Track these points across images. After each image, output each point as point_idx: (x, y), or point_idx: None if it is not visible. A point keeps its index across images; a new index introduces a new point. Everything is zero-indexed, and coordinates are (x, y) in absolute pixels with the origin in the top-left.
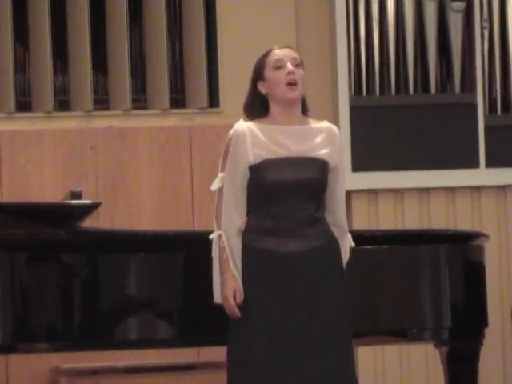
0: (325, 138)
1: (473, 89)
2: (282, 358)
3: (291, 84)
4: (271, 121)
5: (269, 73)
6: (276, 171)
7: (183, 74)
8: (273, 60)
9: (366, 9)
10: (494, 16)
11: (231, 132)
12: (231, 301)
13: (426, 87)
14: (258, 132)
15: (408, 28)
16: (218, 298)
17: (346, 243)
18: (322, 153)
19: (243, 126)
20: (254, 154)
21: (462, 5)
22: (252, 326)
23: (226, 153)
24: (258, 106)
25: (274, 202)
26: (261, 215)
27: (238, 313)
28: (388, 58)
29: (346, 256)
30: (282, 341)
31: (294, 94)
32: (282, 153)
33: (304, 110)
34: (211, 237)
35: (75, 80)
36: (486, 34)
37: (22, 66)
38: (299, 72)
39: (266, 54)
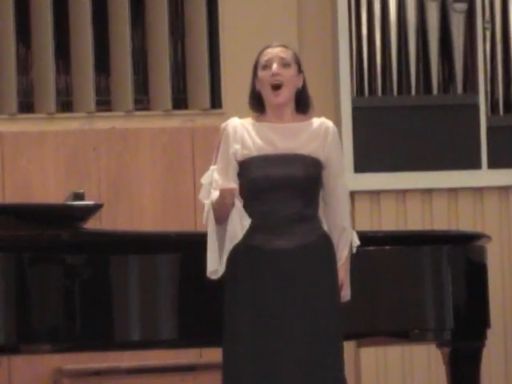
0: (314, 133)
1: (475, 90)
2: (270, 355)
3: (274, 87)
4: (265, 118)
5: (259, 72)
6: (261, 168)
7: (185, 75)
8: (262, 60)
9: (368, 9)
10: (496, 17)
11: (223, 126)
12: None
13: (428, 88)
14: (249, 129)
15: (410, 29)
16: (209, 270)
17: (344, 241)
18: (310, 149)
19: (235, 122)
20: (241, 152)
21: (464, 6)
22: (240, 323)
23: (218, 147)
24: (256, 102)
25: (259, 199)
26: (248, 212)
27: (233, 185)
28: (390, 58)
29: (343, 254)
30: (270, 339)
31: (277, 99)
32: (268, 150)
33: (303, 107)
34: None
35: (77, 81)
36: (488, 34)
37: (24, 66)
38: (287, 72)
39: (261, 52)
